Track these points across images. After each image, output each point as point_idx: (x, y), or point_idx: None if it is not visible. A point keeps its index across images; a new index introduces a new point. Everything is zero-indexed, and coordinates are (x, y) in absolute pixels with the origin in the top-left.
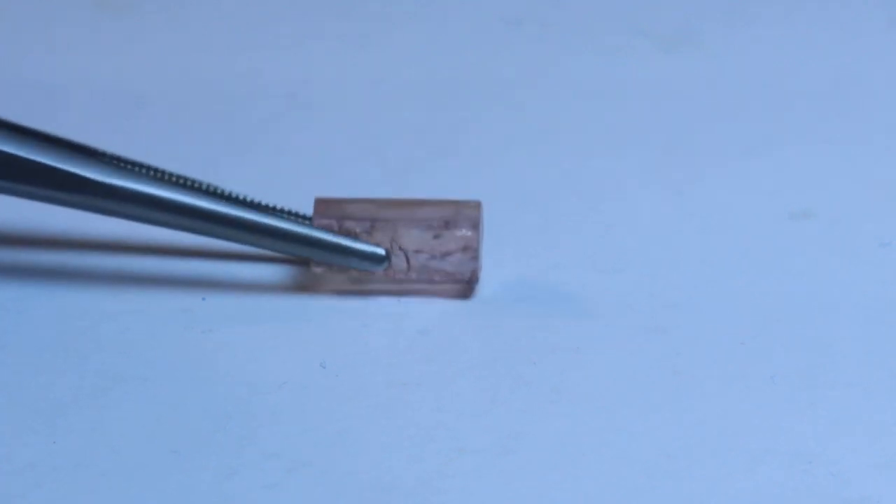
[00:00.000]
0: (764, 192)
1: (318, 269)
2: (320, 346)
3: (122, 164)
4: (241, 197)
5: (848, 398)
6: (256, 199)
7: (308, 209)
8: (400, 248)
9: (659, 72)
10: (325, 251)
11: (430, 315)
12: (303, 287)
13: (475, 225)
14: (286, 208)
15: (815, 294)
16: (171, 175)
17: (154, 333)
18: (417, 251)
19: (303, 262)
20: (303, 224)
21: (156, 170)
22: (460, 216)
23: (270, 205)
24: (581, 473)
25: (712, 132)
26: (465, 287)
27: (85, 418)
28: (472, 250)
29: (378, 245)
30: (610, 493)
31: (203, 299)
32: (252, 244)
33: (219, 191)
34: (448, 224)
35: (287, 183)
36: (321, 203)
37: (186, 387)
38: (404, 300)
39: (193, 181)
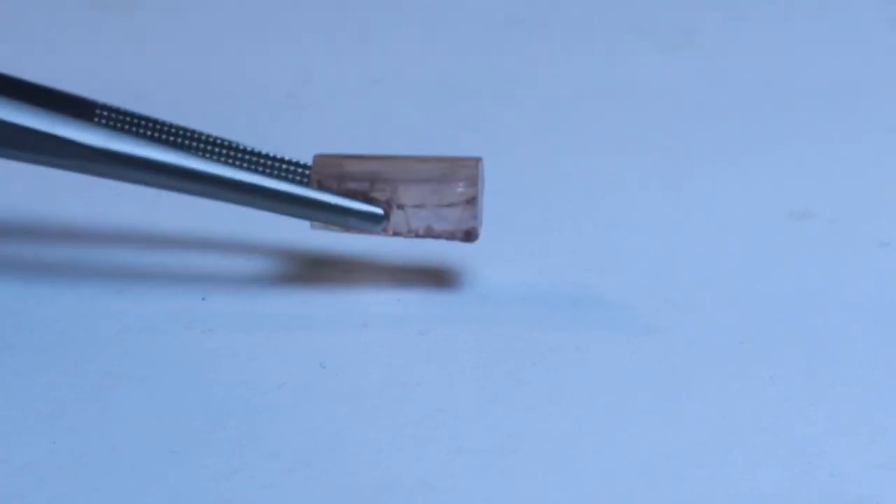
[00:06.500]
0: (764, 192)
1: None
2: (320, 346)
3: (111, 120)
4: (239, 147)
5: (848, 398)
6: (251, 148)
7: None
8: (399, 207)
9: (659, 72)
10: (322, 212)
11: (430, 315)
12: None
13: (474, 181)
14: (286, 157)
15: (814, 294)
16: (162, 126)
17: (154, 333)
18: (417, 206)
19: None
20: (300, 185)
21: (145, 121)
22: (460, 172)
23: (267, 153)
24: (581, 473)
25: (712, 132)
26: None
27: (85, 418)
28: (472, 207)
29: (377, 204)
30: (610, 493)
31: (203, 299)
32: (246, 205)
33: (210, 142)
34: (448, 179)
35: None
36: (319, 160)
37: (186, 386)
38: (404, 300)
39: (185, 132)
